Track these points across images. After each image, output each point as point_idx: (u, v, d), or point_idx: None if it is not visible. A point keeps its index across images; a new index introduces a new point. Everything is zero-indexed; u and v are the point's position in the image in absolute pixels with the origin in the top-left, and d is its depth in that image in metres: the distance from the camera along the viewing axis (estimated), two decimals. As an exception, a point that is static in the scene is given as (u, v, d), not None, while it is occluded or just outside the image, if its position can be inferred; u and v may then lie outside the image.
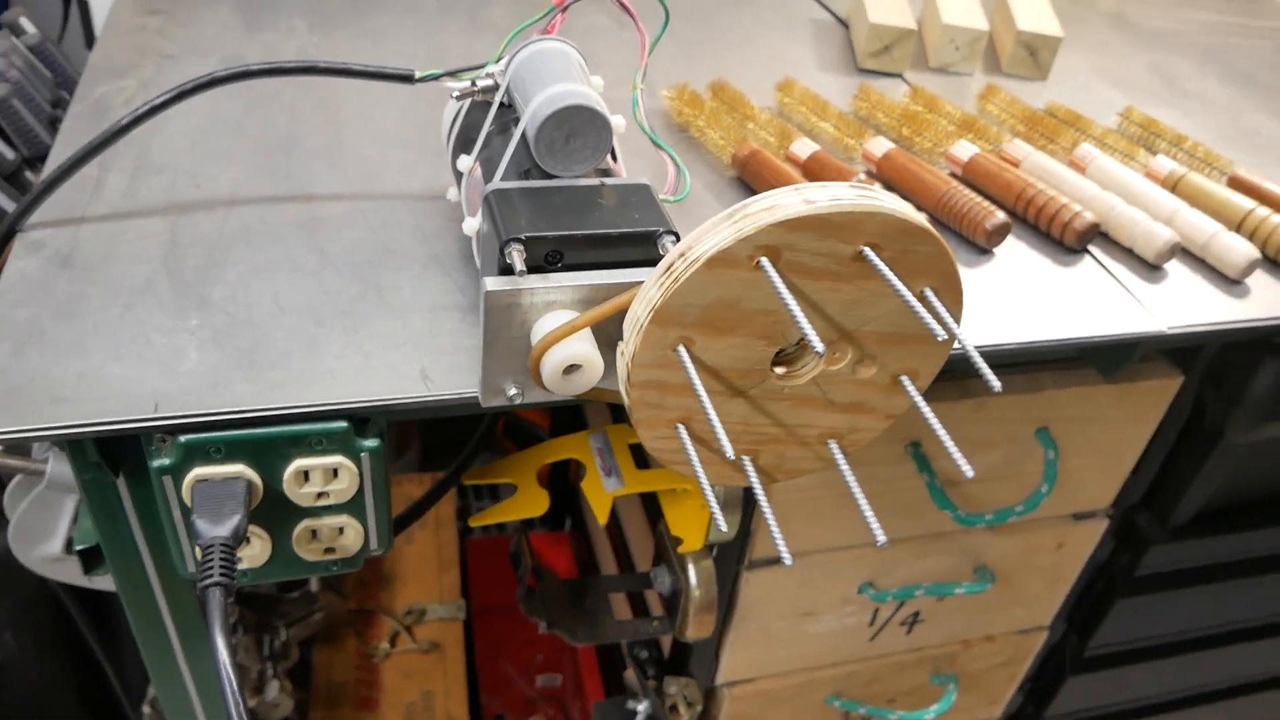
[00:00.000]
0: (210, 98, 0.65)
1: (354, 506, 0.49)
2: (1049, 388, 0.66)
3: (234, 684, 0.40)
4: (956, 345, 0.42)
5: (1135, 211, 0.62)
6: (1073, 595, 0.81)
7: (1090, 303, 0.58)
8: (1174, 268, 0.62)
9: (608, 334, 0.43)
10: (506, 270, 0.43)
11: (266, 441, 0.45)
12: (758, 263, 0.39)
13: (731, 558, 0.67)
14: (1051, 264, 0.61)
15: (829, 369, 0.43)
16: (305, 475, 0.47)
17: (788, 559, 0.40)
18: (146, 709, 0.77)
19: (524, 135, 0.47)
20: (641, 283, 0.41)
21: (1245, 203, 0.65)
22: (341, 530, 0.50)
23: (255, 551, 0.49)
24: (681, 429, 0.43)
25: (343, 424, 0.46)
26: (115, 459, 0.47)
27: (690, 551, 0.64)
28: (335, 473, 0.47)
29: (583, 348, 0.42)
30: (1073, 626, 0.85)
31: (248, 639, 0.83)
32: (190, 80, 0.51)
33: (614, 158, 0.52)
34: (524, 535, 0.65)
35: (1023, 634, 0.82)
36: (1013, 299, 0.58)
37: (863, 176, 0.61)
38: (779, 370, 0.43)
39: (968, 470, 0.39)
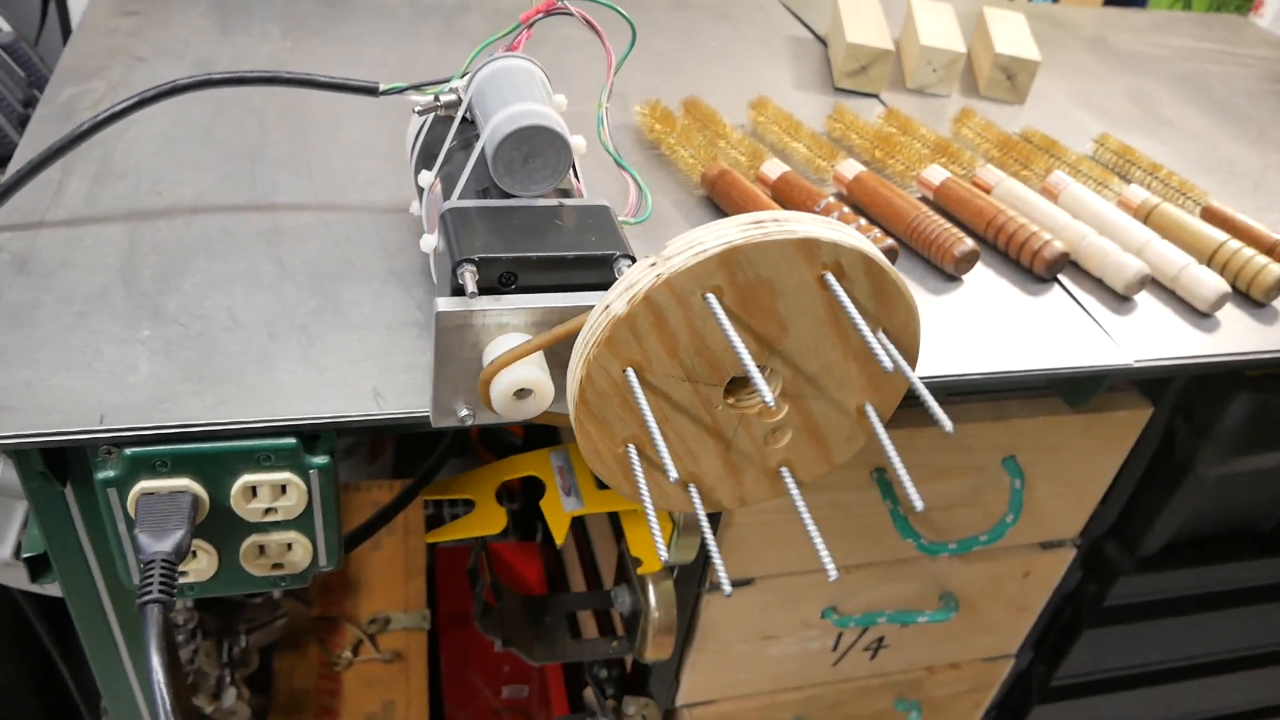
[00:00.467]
0: (177, 102, 0.64)
1: (302, 523, 0.48)
2: (1016, 416, 0.65)
3: (168, 703, 0.40)
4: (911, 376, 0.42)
5: (1106, 242, 0.62)
6: (1040, 624, 0.81)
7: (1058, 333, 0.58)
8: (1144, 299, 0.62)
9: (562, 357, 0.43)
10: (459, 291, 0.42)
11: (213, 456, 0.45)
12: (704, 297, 0.38)
13: (693, 580, 0.67)
14: (1020, 293, 0.61)
15: (779, 401, 0.43)
16: (253, 491, 0.46)
17: (727, 588, 0.39)
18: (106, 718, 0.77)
19: (483, 153, 0.46)
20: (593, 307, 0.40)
21: (1217, 235, 0.64)
22: (290, 546, 0.49)
23: (202, 565, 0.48)
24: (632, 451, 0.43)
25: (291, 440, 0.45)
26: (64, 468, 0.47)
27: (650, 572, 0.64)
28: (284, 489, 0.47)
29: (532, 372, 0.42)
30: (1040, 655, 0.85)
31: (208, 644, 0.82)
32: (151, 88, 0.51)
33: (576, 176, 0.52)
34: (483, 552, 0.64)
35: (988, 662, 0.82)
36: (980, 327, 0.57)
37: (830, 200, 0.60)
38: (729, 399, 0.43)
39: (918, 503, 0.39)
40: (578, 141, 0.47)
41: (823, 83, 0.80)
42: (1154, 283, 0.63)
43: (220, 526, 0.47)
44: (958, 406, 0.65)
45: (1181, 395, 0.69)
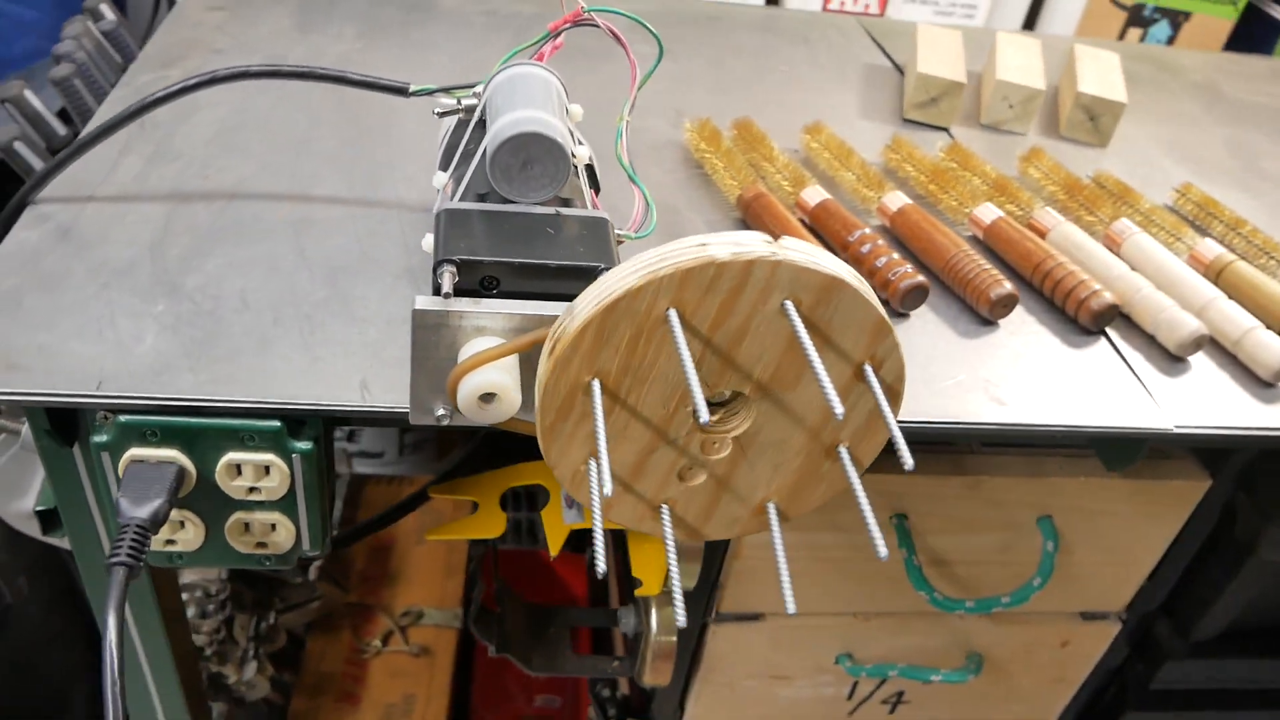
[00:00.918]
0: (243, 93, 0.67)
1: (286, 505, 0.49)
2: (1054, 474, 0.62)
3: (117, 667, 0.41)
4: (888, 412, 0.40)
5: (1162, 297, 0.58)
6: (1079, 699, 0.76)
7: (1094, 390, 0.54)
8: (1200, 362, 0.58)
9: (536, 364, 0.43)
10: (439, 291, 0.43)
11: (200, 431, 0.46)
12: (665, 315, 0.37)
13: (698, 608, 0.65)
14: (1060, 344, 0.57)
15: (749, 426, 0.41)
16: (238, 469, 0.47)
17: (681, 620, 0.38)
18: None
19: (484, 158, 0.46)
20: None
21: (1294, 300, 0.60)
22: (274, 527, 0.50)
23: (189, 536, 0.50)
24: (592, 466, 0.42)
25: (275, 424, 0.46)
26: (74, 430, 0.49)
27: (652, 596, 0.63)
28: (267, 470, 0.48)
29: (498, 377, 0.42)
30: (1079, 732, 0.80)
31: (243, 617, 0.85)
32: (191, 77, 0.53)
33: (594, 187, 0.52)
34: (489, 556, 0.65)
35: (1020, 731, 0.77)
36: (1009, 376, 0.54)
37: (865, 231, 0.58)
38: (705, 425, 0.42)
39: (881, 550, 0.37)
40: (583, 152, 0.47)
41: (891, 113, 0.78)
42: (1215, 345, 0.59)
43: (207, 500, 0.48)
44: (990, 458, 0.62)
45: (1245, 470, 0.64)
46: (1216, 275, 0.63)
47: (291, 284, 0.52)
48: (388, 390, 0.47)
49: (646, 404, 0.40)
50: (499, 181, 0.46)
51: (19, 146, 0.63)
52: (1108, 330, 0.59)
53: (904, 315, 0.57)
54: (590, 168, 0.52)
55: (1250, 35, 1.09)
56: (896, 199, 0.62)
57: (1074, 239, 0.62)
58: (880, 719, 0.74)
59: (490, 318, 0.43)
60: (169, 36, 0.73)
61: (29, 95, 0.66)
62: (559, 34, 0.52)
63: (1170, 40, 1.09)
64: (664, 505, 0.44)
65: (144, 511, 0.44)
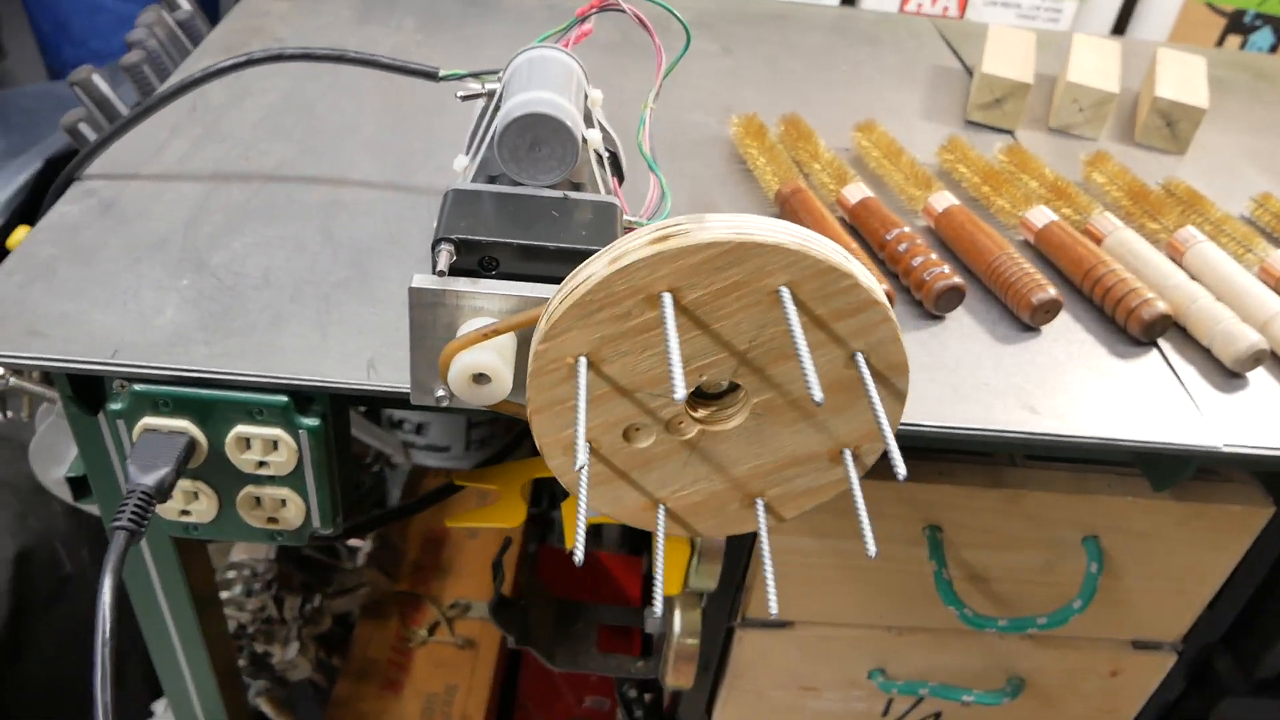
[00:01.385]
0: (294, 80, 0.69)
1: (294, 481, 0.50)
2: (1100, 492, 0.58)
3: (108, 630, 0.42)
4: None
5: (1221, 308, 0.54)
6: (1133, 733, 0.72)
7: (1139, 403, 0.51)
8: (1260, 379, 0.54)
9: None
10: (436, 270, 0.42)
11: (210, 403, 0.47)
12: (656, 297, 0.36)
13: (722, 611, 0.64)
14: (1107, 353, 0.54)
15: (752, 421, 0.40)
16: (247, 443, 0.48)
17: (658, 609, 0.37)
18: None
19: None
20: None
21: (1372, 318, 0.55)
22: (284, 503, 0.51)
23: (203, 507, 0.51)
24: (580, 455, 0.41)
25: (282, 398, 0.47)
26: (98, 398, 0.50)
27: (676, 596, 0.62)
28: (275, 445, 0.48)
29: (488, 357, 0.41)
30: (1133, 768, 0.75)
31: (292, 599, 0.86)
32: (228, 58, 0.54)
33: (618, 174, 0.51)
34: (520, 547, 0.64)
35: (1066, 763, 0.73)
36: (1046, 385, 0.51)
37: (904, 230, 0.56)
38: (699, 412, 0.41)
39: (871, 548, 0.36)
40: (593, 136, 0.46)
41: (954, 115, 0.75)
42: (1278, 362, 0.55)
43: (218, 472, 0.49)
44: (1031, 471, 0.59)
45: (1316, 499, 0.60)
46: (1289, 288, 0.58)
47: (314, 263, 0.53)
48: (394, 370, 0.47)
49: (641, 392, 0.39)
50: (506, 162, 0.45)
51: (84, 128, 0.65)
52: (1160, 342, 0.55)
53: (938, 318, 0.55)
54: (614, 155, 0.51)
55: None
56: (943, 199, 0.60)
57: (1131, 245, 0.59)
58: (915, 741, 0.71)
59: (487, 299, 0.42)
60: (234, 24, 0.75)
61: (97, 79, 0.69)
62: (585, 19, 0.51)
63: (1274, 48, 1.03)
64: (660, 503, 0.43)
65: (150, 479, 0.45)
